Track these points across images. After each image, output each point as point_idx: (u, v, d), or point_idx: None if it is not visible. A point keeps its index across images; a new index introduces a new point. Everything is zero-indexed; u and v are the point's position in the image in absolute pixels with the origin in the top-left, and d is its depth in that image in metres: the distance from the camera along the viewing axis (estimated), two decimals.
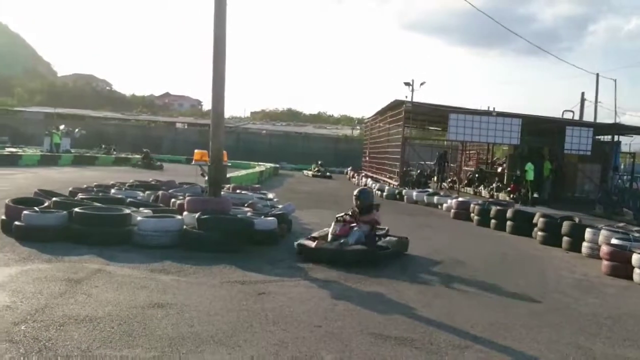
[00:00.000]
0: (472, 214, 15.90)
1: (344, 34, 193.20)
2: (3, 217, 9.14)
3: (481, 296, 7.42)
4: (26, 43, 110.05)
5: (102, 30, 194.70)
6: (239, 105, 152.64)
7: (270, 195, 15.07)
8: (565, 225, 12.03)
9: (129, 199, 11.54)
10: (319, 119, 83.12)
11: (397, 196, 22.41)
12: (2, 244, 8.15)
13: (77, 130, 41.96)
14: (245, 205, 11.93)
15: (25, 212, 8.75)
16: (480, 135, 23.03)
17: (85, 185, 13.92)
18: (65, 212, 8.96)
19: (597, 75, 36.13)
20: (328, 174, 37.24)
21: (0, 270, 6.63)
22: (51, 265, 7.11)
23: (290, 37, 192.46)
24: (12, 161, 27.09)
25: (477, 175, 29.06)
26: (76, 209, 8.95)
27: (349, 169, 39.22)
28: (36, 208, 9.13)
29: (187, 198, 10.48)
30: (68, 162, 31.39)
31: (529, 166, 22.76)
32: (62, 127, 39.03)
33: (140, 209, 10.30)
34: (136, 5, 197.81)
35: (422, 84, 38.37)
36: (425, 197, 20.69)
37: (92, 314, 5.25)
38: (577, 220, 12.74)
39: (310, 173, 37.22)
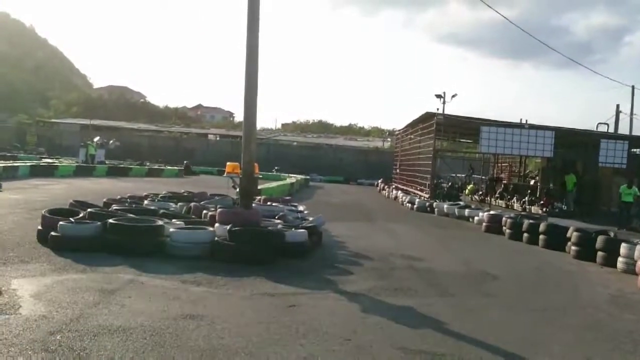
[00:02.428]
0: (504, 228, 15.72)
1: (375, 46, 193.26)
2: (39, 227, 9.32)
3: (513, 311, 7.34)
4: (63, 56, 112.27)
5: (136, 43, 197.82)
6: (270, 117, 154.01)
7: (301, 208, 15.11)
8: (600, 240, 11.81)
9: (161, 210, 11.69)
10: (349, 130, 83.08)
11: (428, 209, 22.29)
12: (39, 254, 8.32)
13: (111, 141, 42.67)
14: (276, 217, 11.98)
15: (61, 222, 8.92)
16: (513, 147, 22.82)
17: (119, 196, 14.14)
18: (99, 222, 9.12)
19: (633, 87, 35.45)
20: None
21: (37, 280, 6.76)
22: (86, 275, 7.23)
23: (323, 49, 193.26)
24: (49, 172, 27.64)
25: (504, 187, 28.79)
26: (110, 220, 9.10)
27: (379, 180, 39.15)
28: (71, 219, 9.30)
29: (219, 210, 10.57)
30: (102, 173, 31.91)
31: (570, 178, 22.72)
32: (97, 138, 39.69)
33: (173, 220, 10.42)
34: (170, 18, 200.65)
35: (453, 96, 38.03)
36: (456, 210, 20.54)
37: (125, 324, 5.32)
38: (612, 234, 12.51)
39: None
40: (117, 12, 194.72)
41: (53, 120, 63.75)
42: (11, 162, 29.88)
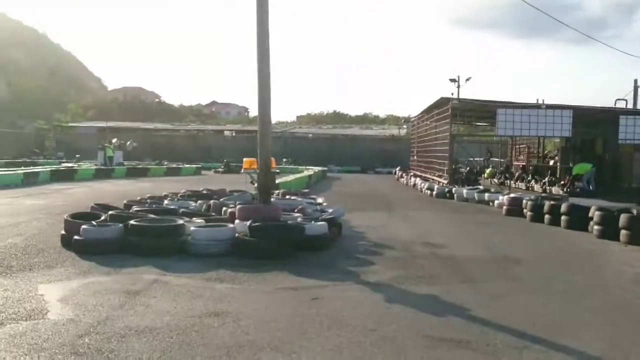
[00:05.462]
0: (524, 210, 15.60)
1: (387, 33, 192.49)
2: (63, 231, 9.43)
3: (538, 294, 7.29)
4: (77, 60, 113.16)
5: (148, 43, 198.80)
6: (285, 109, 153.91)
7: (320, 200, 15.12)
8: (623, 218, 11.67)
9: (181, 209, 11.77)
10: (364, 120, 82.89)
11: (447, 194, 22.19)
12: (63, 258, 8.42)
13: (129, 142, 42.98)
14: (295, 210, 12.00)
15: (83, 226, 9.03)
16: (530, 129, 22.57)
17: (139, 197, 14.26)
18: (121, 224, 9.21)
19: None
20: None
21: (63, 284, 6.85)
22: (110, 277, 7.31)
23: (334, 37, 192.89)
24: (69, 176, 27.94)
25: (524, 169, 28.56)
26: (131, 222, 9.19)
27: (397, 169, 39.04)
28: (94, 222, 9.41)
29: (238, 206, 10.61)
30: (122, 174, 32.18)
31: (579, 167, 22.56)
32: (114, 140, 40.02)
33: (193, 218, 10.49)
34: (180, 15, 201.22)
35: (467, 79, 37.63)
36: (475, 195, 20.42)
37: (151, 324, 5.38)
38: (635, 212, 12.36)
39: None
40: (126, 14, 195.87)
41: (70, 124, 64.31)
42: (31, 167, 30.25)
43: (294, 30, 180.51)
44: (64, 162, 38.85)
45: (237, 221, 9.98)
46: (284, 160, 42.79)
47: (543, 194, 20.43)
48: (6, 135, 50.93)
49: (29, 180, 24.05)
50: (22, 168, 29.39)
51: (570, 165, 24.44)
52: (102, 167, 33.85)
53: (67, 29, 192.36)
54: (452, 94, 30.38)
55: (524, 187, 26.03)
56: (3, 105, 63.64)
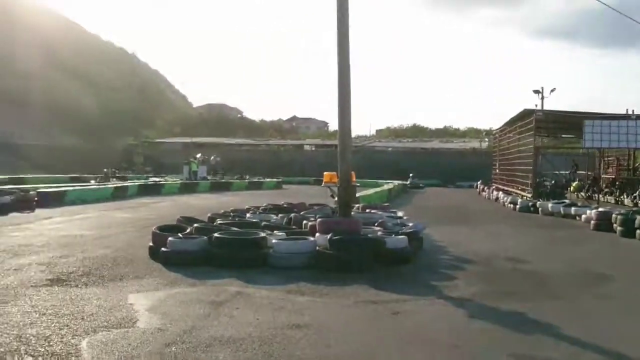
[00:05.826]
0: (614, 225, 14.95)
1: (468, 46, 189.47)
2: (150, 243, 9.79)
3: (630, 313, 6.97)
4: (164, 78, 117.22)
5: (231, 61, 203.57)
6: (364, 123, 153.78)
7: (400, 213, 15.02)
8: None
9: (263, 222, 11.98)
10: (444, 133, 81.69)
11: (531, 209, 21.58)
12: (151, 269, 8.73)
13: (212, 157, 44.09)
14: (376, 224, 11.98)
15: (170, 238, 9.34)
16: (620, 140, 21.71)
17: (222, 211, 14.60)
18: (205, 237, 9.47)
19: None
20: (421, 185, 41.56)
21: (151, 294, 7.11)
22: (195, 288, 7.52)
23: (414, 51, 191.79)
24: (156, 190, 28.96)
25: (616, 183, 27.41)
26: (215, 234, 9.43)
27: (478, 182, 38.31)
28: (179, 234, 9.72)
29: (319, 220, 10.69)
30: (206, 188, 33.07)
31: None
32: (198, 155, 41.15)
33: (275, 231, 10.65)
34: (261, 33, 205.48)
35: (552, 90, 36.85)
36: (561, 209, 19.76)
37: (235, 335, 5.49)
38: None
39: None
40: (211, 33, 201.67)
41: (157, 140, 66.69)
42: (121, 182, 31.58)
43: (374, 43, 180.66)
44: (151, 177, 40.31)
45: (317, 234, 10.06)
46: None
47: (634, 208, 19.54)
48: (98, 152, 53.40)
49: (119, 194, 25.08)
50: (112, 182, 30.73)
51: None
52: (187, 181, 34.92)
53: (155, 48, 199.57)
54: (536, 105, 29.68)
55: (613, 201, 25.00)
56: (94, 122, 66.79)
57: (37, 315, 5.97)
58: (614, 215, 15.25)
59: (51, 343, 5.11)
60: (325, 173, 12.15)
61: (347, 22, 10.79)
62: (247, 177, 41.98)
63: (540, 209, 20.92)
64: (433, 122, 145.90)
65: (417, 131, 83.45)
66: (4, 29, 65.75)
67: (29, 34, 66.98)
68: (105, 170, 34.35)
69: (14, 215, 16.43)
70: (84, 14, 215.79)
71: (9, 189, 21.72)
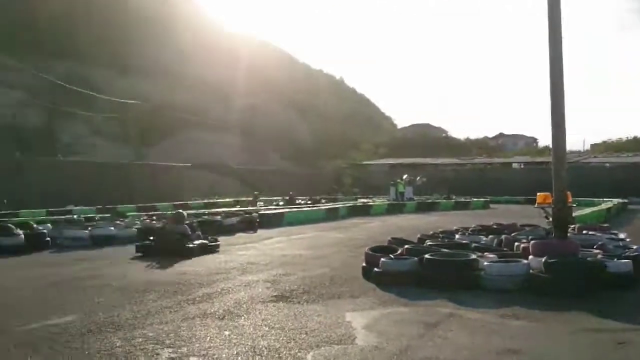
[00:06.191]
0: None
1: None
2: (364, 264, 10.19)
3: None
4: (370, 102, 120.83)
5: (434, 81, 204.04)
6: (577, 137, 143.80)
7: (622, 235, 13.97)
8: None
9: (473, 244, 11.87)
10: None
11: None
12: (365, 288, 9.08)
13: (418, 178, 44.39)
14: (595, 247, 11.29)
15: (382, 259, 9.66)
16: None
17: (431, 232, 14.70)
18: (416, 258, 9.64)
19: None
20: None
21: (366, 313, 7.41)
22: (408, 309, 7.70)
23: (630, 59, 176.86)
24: (365, 211, 29.90)
25: None
26: (426, 256, 9.56)
27: None
28: (391, 255, 10.01)
29: (532, 242, 10.35)
30: (412, 209, 33.38)
31: None
32: (405, 176, 41.67)
33: (485, 253, 10.50)
34: (464, 51, 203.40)
35: None
36: None
37: (449, 357, 5.56)
38: None
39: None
40: (412, 55, 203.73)
41: (364, 162, 68.71)
42: (332, 203, 33.05)
43: (585, 52, 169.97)
44: (359, 198, 41.60)
45: (530, 257, 9.74)
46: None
47: None
48: (310, 175, 56.48)
49: (331, 215, 26.28)
50: (324, 204, 32.27)
51: None
52: (394, 202, 35.52)
53: (360, 73, 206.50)
54: None
55: None
56: (306, 148, 70.84)
57: (267, 329, 6.55)
58: None
59: (281, 355, 5.59)
60: (538, 194, 11.73)
61: (560, 32, 10.40)
62: (454, 197, 41.59)
63: None
64: None
65: (638, 144, 76.61)
66: (230, 66, 72.48)
67: (250, 69, 73.25)
68: (255, 193, 36.01)
69: (239, 235, 18.03)
70: (293, 43, 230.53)
71: (235, 211, 23.93)
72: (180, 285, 9.34)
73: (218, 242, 14.41)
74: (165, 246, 13.02)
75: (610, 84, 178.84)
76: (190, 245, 13.19)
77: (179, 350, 5.71)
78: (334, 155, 70.97)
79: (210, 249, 13.69)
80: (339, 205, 31.23)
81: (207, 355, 5.59)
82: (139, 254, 13.04)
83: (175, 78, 66.98)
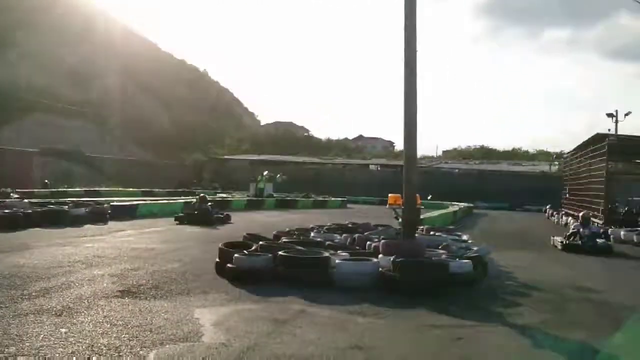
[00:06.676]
0: None
1: (538, 67, 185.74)
2: (217, 259, 10.02)
3: None
4: (234, 97, 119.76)
5: (300, 79, 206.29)
6: (431, 144, 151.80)
7: (465, 237, 14.84)
8: None
9: (327, 242, 12.07)
10: (513, 155, 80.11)
11: (602, 236, 20.85)
12: (217, 284, 8.94)
13: (278, 175, 44.65)
14: (440, 247, 11.89)
15: (235, 255, 9.55)
16: None
17: (287, 229, 14.79)
18: (270, 255, 9.62)
19: None
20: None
21: (216, 310, 7.28)
22: (259, 305, 7.66)
23: (481, 71, 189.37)
24: (224, 206, 29.48)
25: None
26: (280, 252, 9.58)
27: (547, 207, 37.37)
28: (245, 251, 9.92)
29: (382, 241, 10.71)
30: (272, 205, 33.52)
31: None
32: (265, 173, 41.75)
33: (338, 251, 10.71)
34: (328, 54, 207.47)
35: (627, 114, 35.55)
36: (635, 237, 19.06)
37: (296, 353, 5.58)
38: None
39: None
40: (278, 53, 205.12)
41: (225, 157, 68.09)
42: (190, 197, 32.37)
43: (440, 65, 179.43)
44: (219, 193, 41.13)
45: (380, 256, 10.08)
46: (429, 197, 42.04)
47: None
48: (169, 167, 55.09)
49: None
50: (182, 197, 31.53)
51: None
52: (254, 198, 35.49)
53: (225, 67, 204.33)
54: (609, 130, 28.83)
55: None
56: (167, 139, 68.96)
57: (108, 326, 6.22)
58: None
59: (121, 354, 5.33)
60: (390, 195, 12.17)
61: (415, 43, 10.86)
62: (313, 195, 42.27)
63: (612, 236, 20.23)
64: (501, 144, 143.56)
65: (485, 153, 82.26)
66: (86, 49, 68.80)
67: (108, 52, 69.91)
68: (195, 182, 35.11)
69: (88, 227, 17.13)
70: (158, 32, 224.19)
71: (84, 201, 22.72)
72: (15, 278, 8.64)
73: (229, 216, 22.37)
74: (200, 217, 19.89)
75: (462, 94, 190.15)
76: (214, 216, 20.67)
77: (7, 350, 5.25)
78: (195, 148, 69.67)
79: (224, 220, 21.30)
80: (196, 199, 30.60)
81: (37, 355, 5.19)
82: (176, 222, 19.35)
83: (22, 57, 62.70)
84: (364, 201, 44.58)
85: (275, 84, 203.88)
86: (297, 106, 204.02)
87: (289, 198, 38.49)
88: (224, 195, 37.60)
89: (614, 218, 24.37)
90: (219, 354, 5.48)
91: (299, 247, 10.72)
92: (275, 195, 38.73)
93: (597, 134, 25.09)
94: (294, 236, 13.18)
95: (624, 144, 24.38)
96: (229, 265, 9.45)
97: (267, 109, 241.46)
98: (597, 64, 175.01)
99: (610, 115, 35.91)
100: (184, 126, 78.22)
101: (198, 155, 66.22)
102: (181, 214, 20.70)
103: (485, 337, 6.67)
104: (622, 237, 19.68)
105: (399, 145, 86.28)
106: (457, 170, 58.78)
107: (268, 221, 22.33)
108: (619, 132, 27.92)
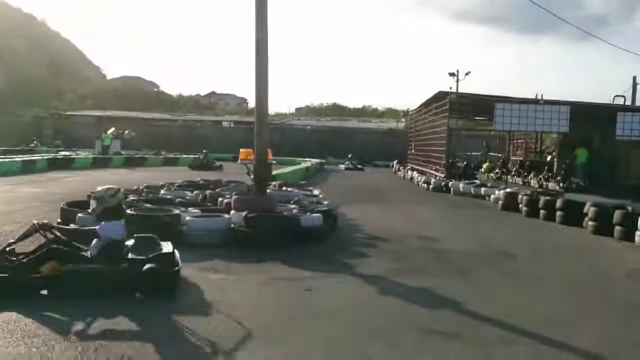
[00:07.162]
0: (520, 205, 15.63)
1: (387, 26, 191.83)
2: (59, 220, 9.43)
3: (531, 289, 7.36)
4: (76, 48, 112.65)
5: (148, 33, 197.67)
6: (283, 101, 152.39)
7: (316, 192, 15.12)
8: (618, 214, 11.68)
9: (177, 199, 11.78)
10: (363, 112, 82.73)
11: (444, 189, 22.21)
12: None
13: (126, 132, 42.83)
14: (291, 202, 12.02)
15: (79, 214, 9.05)
16: (528, 124, 22.47)
17: (135, 187, 14.24)
18: None
19: None
20: (360, 166, 39.69)
21: None
22: None
23: (334, 30, 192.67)
24: (66, 165, 27.90)
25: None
26: (127, 211, 9.18)
27: (394, 162, 39.08)
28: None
29: (234, 197, 10.63)
30: (119, 164, 32.16)
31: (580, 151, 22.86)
32: (111, 129, 39.87)
33: (189, 209, 10.48)
34: (180, 6, 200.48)
35: (467, 74, 37.78)
36: (472, 189, 20.45)
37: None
38: (629, 209, 12.37)
39: (342, 166, 39.37)
40: (126, 3, 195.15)
41: (68, 112, 64.15)
42: (29, 155, 30.25)
43: (294, 22, 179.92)
44: (61, 151, 38.77)
45: (232, 212, 10.00)
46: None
47: (539, 189, 20.47)
48: (5, 123, 50.90)
49: (27, 168, 24.02)
50: (20, 156, 29.33)
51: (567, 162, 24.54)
52: (100, 156, 33.85)
53: (67, 16, 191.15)
54: (451, 88, 30.44)
55: (521, 182, 26.08)
56: (2, 94, 63.56)
57: None
58: (520, 196, 15.94)
59: None
60: (241, 150, 12.09)
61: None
62: (163, 152, 41.10)
63: (452, 189, 21.57)
64: (352, 102, 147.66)
65: (336, 110, 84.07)
66: None
67: None
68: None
69: None
70: None
71: None
72: None
73: None
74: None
75: (315, 52, 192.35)
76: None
77: None
78: (33, 103, 64.85)
79: None
80: (36, 157, 28.64)
81: None
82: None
83: None
84: (217, 158, 43.99)
85: (122, 36, 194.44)
86: (146, 61, 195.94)
87: (137, 156, 37.09)
88: (67, 153, 35.51)
89: (454, 172, 25.97)
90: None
91: (148, 205, 10.35)
92: (123, 153, 37.16)
93: (440, 92, 26.32)
94: (143, 194, 12.71)
95: (462, 101, 25.84)
96: (72, 225, 8.94)
97: (113, 62, 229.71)
98: (443, 26, 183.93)
99: (452, 74, 37.90)
100: (21, 81, 72.42)
101: (37, 111, 61.78)
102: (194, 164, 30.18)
103: (335, 287, 6.87)
104: (460, 189, 21.02)
105: (252, 102, 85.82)
106: (309, 127, 59.60)
107: (114, 179, 21.34)
108: (461, 91, 29.44)
